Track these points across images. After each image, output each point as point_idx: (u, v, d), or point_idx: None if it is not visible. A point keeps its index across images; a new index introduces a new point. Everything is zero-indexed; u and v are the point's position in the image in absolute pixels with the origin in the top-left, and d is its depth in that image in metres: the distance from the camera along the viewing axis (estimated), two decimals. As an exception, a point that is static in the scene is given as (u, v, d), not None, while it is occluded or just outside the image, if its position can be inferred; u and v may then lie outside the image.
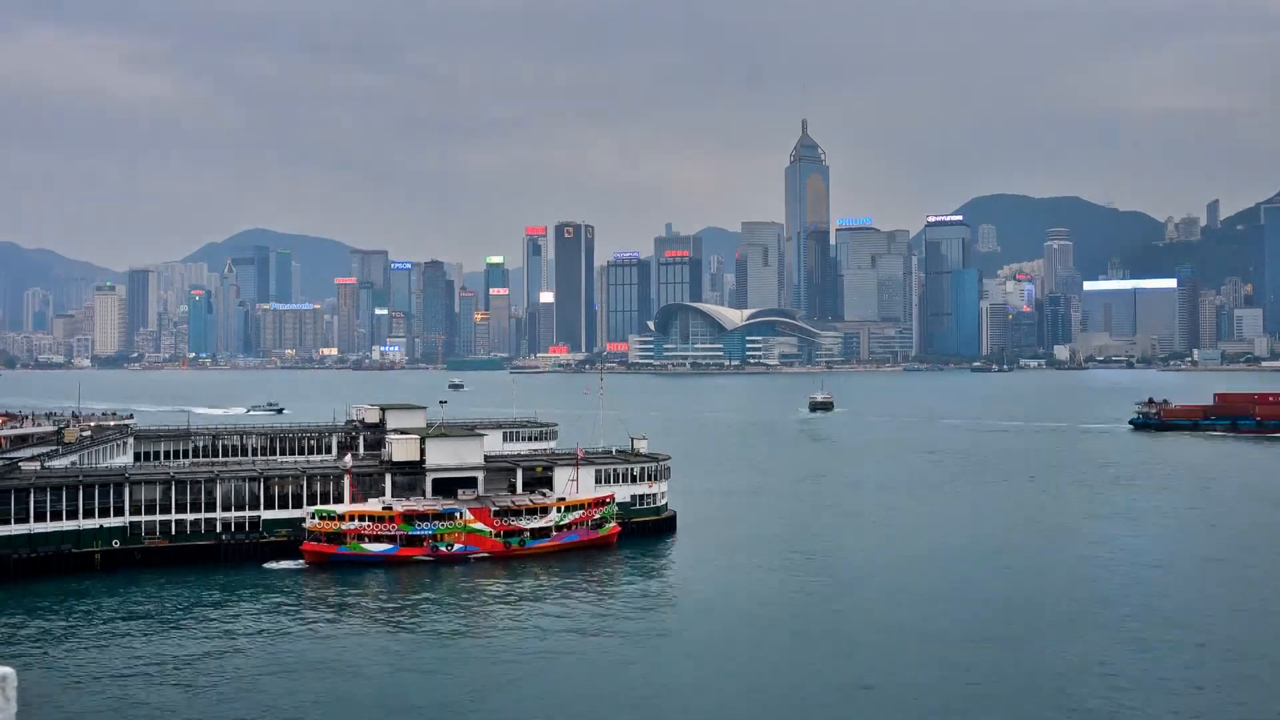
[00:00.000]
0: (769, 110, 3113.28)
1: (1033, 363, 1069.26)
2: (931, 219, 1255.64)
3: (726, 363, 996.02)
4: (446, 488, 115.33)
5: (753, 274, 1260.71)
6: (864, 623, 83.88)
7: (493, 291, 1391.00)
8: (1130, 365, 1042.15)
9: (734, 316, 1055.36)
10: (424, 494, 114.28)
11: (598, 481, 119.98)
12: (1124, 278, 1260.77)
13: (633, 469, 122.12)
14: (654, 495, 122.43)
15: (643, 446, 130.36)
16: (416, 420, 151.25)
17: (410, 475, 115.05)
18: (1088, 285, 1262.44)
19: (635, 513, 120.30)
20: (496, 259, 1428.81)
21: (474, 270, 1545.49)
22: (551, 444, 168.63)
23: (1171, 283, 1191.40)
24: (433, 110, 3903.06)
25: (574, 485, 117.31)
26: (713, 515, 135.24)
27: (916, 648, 76.64)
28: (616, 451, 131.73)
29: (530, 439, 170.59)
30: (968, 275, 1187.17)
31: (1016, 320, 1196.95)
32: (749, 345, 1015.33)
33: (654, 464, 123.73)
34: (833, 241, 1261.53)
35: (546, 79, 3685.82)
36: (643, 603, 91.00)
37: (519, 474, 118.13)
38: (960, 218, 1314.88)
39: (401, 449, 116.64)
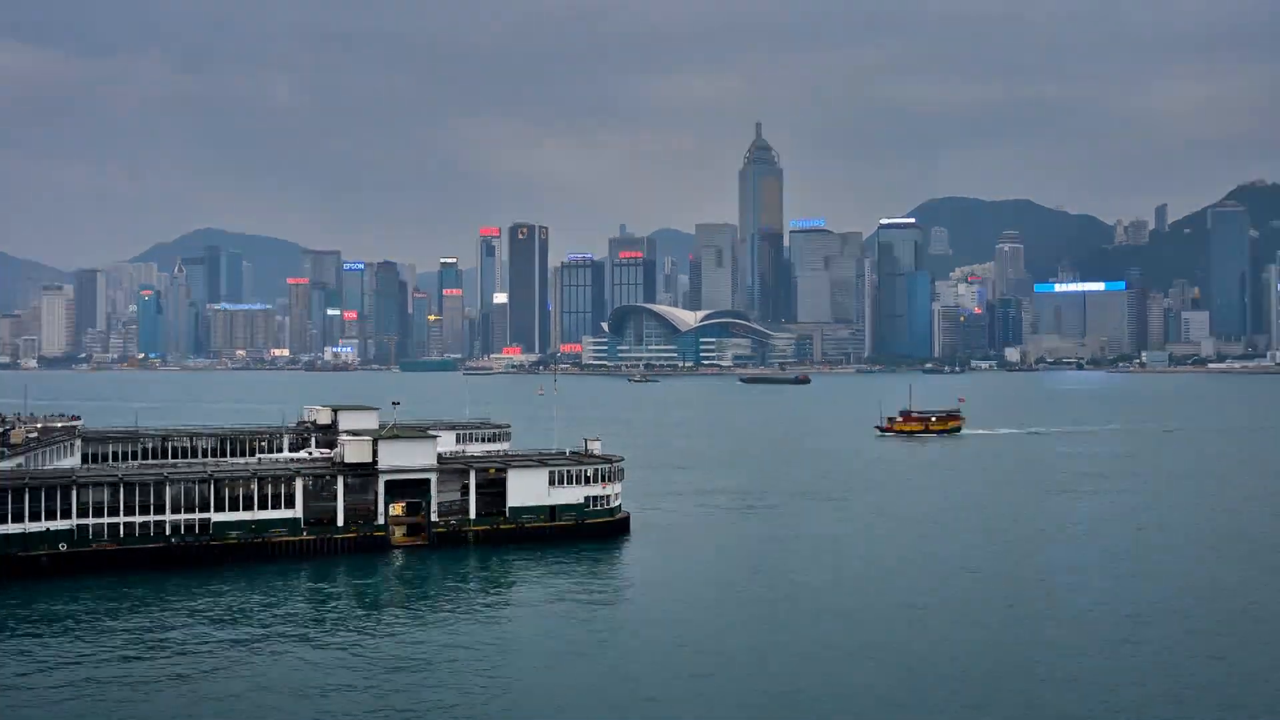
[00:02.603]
0: (723, 112, 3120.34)
1: (984, 364, 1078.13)
2: (884, 221, 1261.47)
3: (680, 364, 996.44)
4: (399, 489, 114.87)
5: (707, 276, 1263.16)
6: (818, 625, 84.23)
7: (446, 292, 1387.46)
8: (1080, 367, 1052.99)
9: (688, 318, 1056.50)
10: (376, 496, 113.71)
11: (551, 483, 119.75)
12: (1074, 280, 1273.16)
13: (586, 470, 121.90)
14: (607, 497, 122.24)
15: (596, 448, 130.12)
16: (369, 421, 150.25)
17: (363, 477, 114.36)
18: (1038, 287, 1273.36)
19: (589, 514, 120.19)
20: (450, 260, 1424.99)
21: (428, 271, 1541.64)
22: (505, 445, 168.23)
23: (1120, 285, 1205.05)
24: (385, 109, 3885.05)
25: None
26: (667, 517, 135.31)
27: (869, 649, 77.09)
28: (570, 453, 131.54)
29: (484, 440, 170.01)
30: (920, 277, 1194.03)
31: (968, 322, 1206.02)
32: (703, 347, 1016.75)
33: (607, 466, 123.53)
34: (786, 243, 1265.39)
35: (500, 80, 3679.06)
36: (594, 604, 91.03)
37: (472, 476, 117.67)
38: (913, 220, 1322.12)
39: (354, 450, 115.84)
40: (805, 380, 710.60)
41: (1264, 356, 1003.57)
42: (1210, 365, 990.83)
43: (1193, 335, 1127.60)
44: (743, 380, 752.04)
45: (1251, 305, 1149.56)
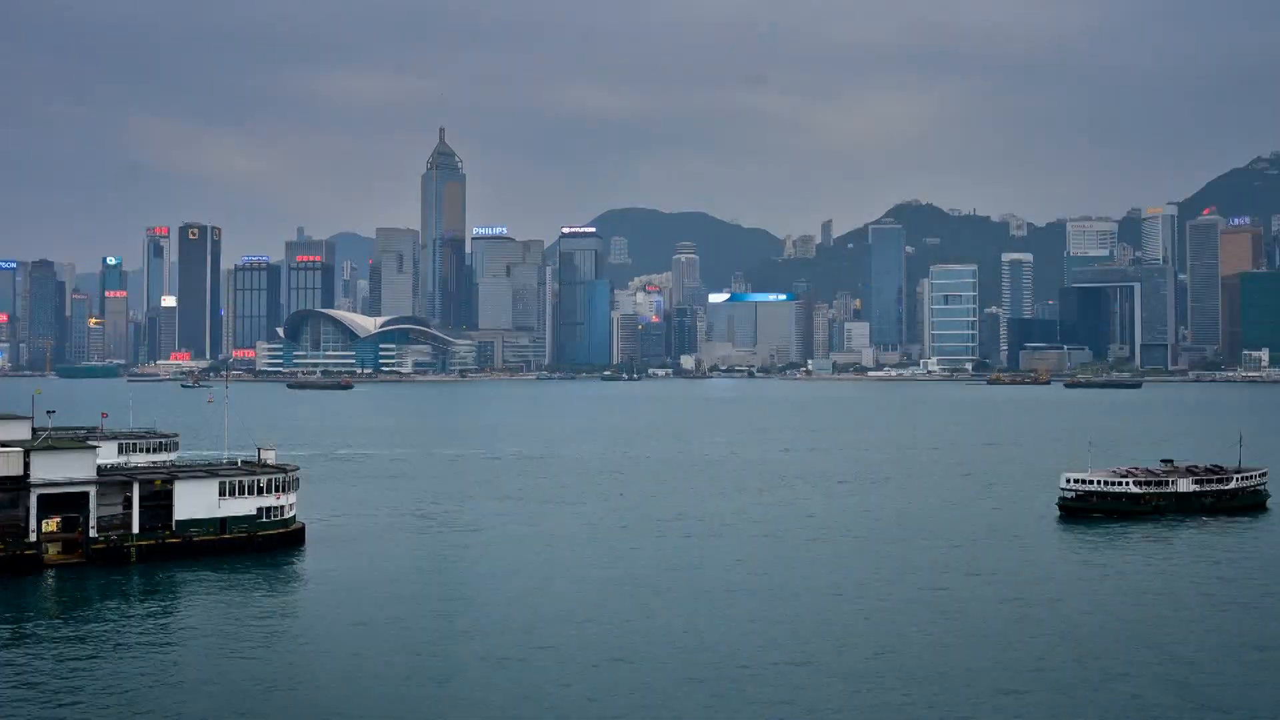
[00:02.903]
0: (407, 116, 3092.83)
1: (660, 371, 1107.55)
2: (565, 230, 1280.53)
3: (359, 371, 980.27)
4: (54, 504, 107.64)
5: (387, 281, 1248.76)
6: (489, 631, 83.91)
7: (109, 294, 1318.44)
8: (751, 375, 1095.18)
9: (367, 324, 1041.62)
10: (28, 511, 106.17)
11: (221, 494, 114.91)
12: (746, 291, 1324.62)
13: (259, 481, 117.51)
14: (281, 508, 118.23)
15: (270, 457, 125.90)
16: (20, 431, 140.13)
17: (12, 491, 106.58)
18: (712, 298, 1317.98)
19: (261, 526, 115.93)
20: (113, 259, 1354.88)
21: (88, 271, 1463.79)
22: (173, 456, 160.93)
23: (789, 296, 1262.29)
24: (40, 96, 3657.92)
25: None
26: (345, 527, 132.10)
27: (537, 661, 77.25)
28: (242, 462, 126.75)
29: (149, 451, 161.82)
30: (600, 286, 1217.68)
31: (646, 330, 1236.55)
32: (382, 353, 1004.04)
33: (282, 475, 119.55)
34: (468, 250, 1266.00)
35: (172, 70, 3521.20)
36: (263, 617, 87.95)
37: (136, 488, 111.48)
38: (593, 230, 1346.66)
39: (2, 463, 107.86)
40: (348, 385, 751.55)
41: (917, 365, 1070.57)
42: (870, 373, 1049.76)
43: (854, 344, 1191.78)
44: (290, 386, 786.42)
45: (907, 317, 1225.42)
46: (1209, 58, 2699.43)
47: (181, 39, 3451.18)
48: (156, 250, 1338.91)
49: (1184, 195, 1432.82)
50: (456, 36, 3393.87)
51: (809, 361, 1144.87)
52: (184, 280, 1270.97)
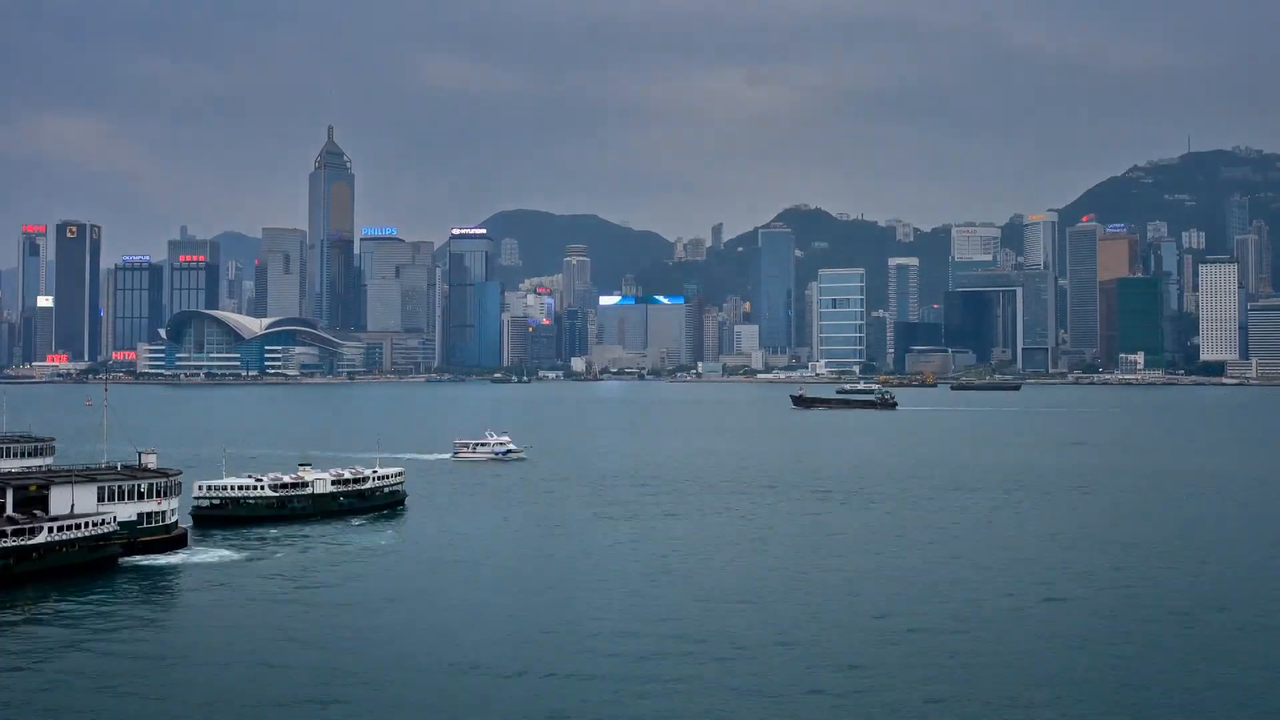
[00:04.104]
0: (294, 114, 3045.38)
1: (551, 374, 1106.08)
2: (456, 231, 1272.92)
3: (244, 373, 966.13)
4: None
5: (273, 282, 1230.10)
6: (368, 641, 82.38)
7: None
8: (641, 377, 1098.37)
9: (253, 325, 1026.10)
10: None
11: (100, 499, 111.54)
12: (637, 294, 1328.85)
13: (140, 485, 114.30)
14: (163, 513, 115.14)
15: (151, 461, 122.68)
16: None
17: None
18: (603, 300, 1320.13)
19: (142, 531, 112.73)
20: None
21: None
22: (48, 460, 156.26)
23: (679, 299, 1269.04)
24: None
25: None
26: (230, 533, 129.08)
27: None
28: (122, 467, 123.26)
29: (22, 455, 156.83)
30: (490, 288, 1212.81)
31: (537, 333, 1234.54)
32: (268, 355, 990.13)
33: (164, 480, 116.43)
34: (357, 251, 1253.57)
35: (45, 61, 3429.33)
36: (142, 626, 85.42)
37: (9, 493, 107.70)
38: (484, 231, 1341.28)
39: None
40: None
41: (806, 368, 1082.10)
42: (759, 375, 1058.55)
43: (744, 347, 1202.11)
44: None
45: (796, 320, 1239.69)
46: (1088, 68, 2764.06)
47: (51, 31, 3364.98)
48: (32, 249, 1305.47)
49: (1064, 203, 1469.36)
50: (320, 17, 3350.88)
51: (699, 364, 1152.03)
52: (61, 280, 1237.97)
